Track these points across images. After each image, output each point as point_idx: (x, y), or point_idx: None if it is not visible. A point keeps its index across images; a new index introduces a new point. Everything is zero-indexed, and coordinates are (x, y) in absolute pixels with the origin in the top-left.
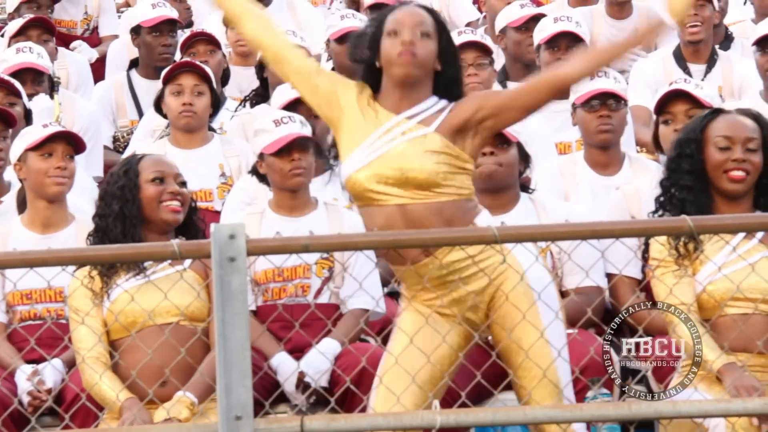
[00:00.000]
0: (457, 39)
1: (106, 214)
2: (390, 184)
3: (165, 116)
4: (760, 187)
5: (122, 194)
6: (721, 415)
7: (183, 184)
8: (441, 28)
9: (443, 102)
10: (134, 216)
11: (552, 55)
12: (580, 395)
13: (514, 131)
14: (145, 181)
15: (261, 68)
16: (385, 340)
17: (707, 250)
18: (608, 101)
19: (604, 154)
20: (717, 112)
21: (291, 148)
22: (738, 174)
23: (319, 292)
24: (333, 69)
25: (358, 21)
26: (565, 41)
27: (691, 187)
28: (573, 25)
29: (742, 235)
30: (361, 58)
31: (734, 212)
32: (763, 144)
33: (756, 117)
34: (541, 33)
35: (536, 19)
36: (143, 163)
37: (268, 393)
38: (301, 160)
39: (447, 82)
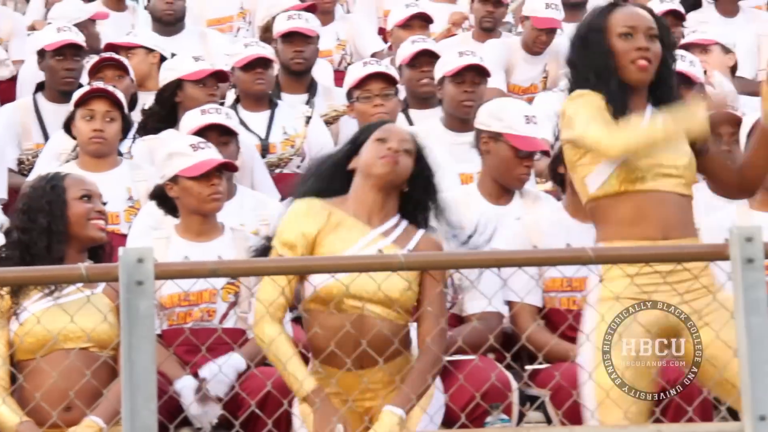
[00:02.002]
0: (363, 70)
1: (30, 229)
2: (365, 300)
3: (74, 137)
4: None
5: (50, 209)
6: None
7: (104, 204)
8: (420, 154)
9: (405, 222)
10: (61, 232)
11: (457, 87)
12: (480, 420)
13: None
14: (73, 198)
15: (173, 92)
16: None
17: None
18: (474, 77)
19: (498, 185)
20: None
21: (210, 173)
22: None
23: (224, 316)
24: (237, 98)
25: (262, 49)
26: (471, 75)
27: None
28: (478, 59)
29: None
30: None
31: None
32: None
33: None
34: (446, 66)
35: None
36: (68, 180)
37: (171, 416)
38: (219, 186)
39: (414, 205)
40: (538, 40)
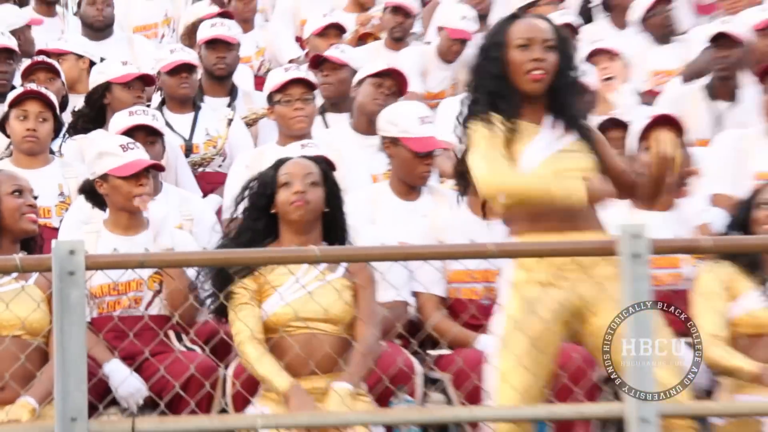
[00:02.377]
0: (284, 75)
1: None
2: (310, 320)
3: (8, 136)
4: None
5: None
6: (510, 420)
7: (35, 198)
8: (327, 176)
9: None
10: None
11: (376, 88)
12: (386, 400)
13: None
14: (5, 194)
15: (102, 94)
16: (213, 351)
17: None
18: (393, 83)
19: (405, 183)
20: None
21: (139, 173)
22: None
23: (150, 304)
24: (163, 100)
25: (187, 54)
26: (391, 81)
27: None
28: (401, 68)
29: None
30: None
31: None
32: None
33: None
34: (371, 68)
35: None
36: (0, 176)
37: (101, 397)
38: (147, 186)
39: (331, 224)
40: (451, 50)
